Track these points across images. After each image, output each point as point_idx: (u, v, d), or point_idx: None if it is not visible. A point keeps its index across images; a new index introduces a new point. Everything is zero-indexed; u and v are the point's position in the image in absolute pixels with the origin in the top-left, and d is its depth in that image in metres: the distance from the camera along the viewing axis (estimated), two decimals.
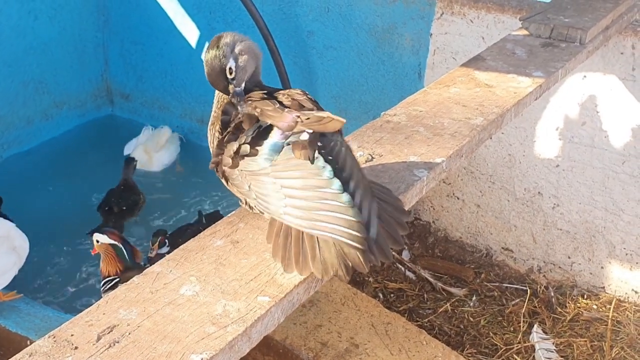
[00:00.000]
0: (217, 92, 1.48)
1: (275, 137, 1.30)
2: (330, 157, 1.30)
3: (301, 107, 1.37)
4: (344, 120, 1.30)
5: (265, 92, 1.41)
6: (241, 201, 1.46)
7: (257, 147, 1.31)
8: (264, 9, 4.03)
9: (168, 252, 2.69)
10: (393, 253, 3.73)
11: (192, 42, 4.64)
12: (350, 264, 1.24)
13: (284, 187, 1.28)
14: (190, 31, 4.62)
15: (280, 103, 1.36)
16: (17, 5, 4.37)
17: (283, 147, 1.29)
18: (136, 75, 5.03)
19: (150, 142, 4.55)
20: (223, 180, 1.41)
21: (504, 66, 2.39)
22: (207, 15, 4.52)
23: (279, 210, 1.28)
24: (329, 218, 1.23)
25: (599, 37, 2.73)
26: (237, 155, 1.33)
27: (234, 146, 1.34)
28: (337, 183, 1.25)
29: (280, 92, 1.43)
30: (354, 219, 1.22)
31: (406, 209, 1.43)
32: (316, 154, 1.28)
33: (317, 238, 1.26)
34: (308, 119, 1.30)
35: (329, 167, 1.26)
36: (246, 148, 1.32)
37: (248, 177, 1.33)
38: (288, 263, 1.27)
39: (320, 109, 1.39)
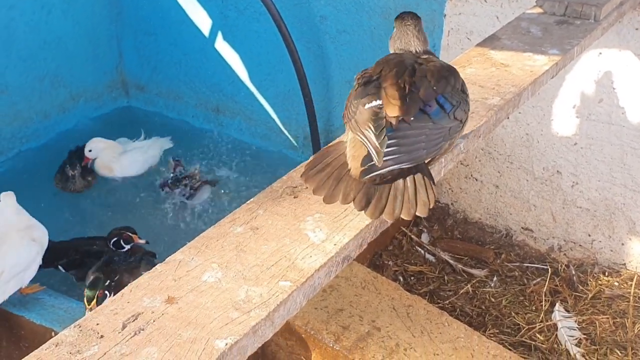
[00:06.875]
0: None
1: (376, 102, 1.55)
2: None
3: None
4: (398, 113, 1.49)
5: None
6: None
7: (368, 98, 1.55)
8: None
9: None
10: (412, 236, 3.74)
11: (205, 31, 4.64)
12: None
13: (357, 121, 1.52)
14: (202, 20, 4.62)
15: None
16: (31, 1, 4.38)
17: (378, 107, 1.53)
18: (150, 66, 5.04)
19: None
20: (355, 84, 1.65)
21: (519, 45, 2.38)
22: (219, 3, 4.51)
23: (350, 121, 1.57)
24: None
25: (613, 14, 2.70)
26: (360, 89, 1.59)
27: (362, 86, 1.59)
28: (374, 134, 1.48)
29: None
30: (377, 144, 1.45)
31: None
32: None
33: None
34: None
35: (381, 137, 1.46)
36: (363, 93, 1.56)
37: (353, 97, 1.59)
38: (318, 188, 1.49)
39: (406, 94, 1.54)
